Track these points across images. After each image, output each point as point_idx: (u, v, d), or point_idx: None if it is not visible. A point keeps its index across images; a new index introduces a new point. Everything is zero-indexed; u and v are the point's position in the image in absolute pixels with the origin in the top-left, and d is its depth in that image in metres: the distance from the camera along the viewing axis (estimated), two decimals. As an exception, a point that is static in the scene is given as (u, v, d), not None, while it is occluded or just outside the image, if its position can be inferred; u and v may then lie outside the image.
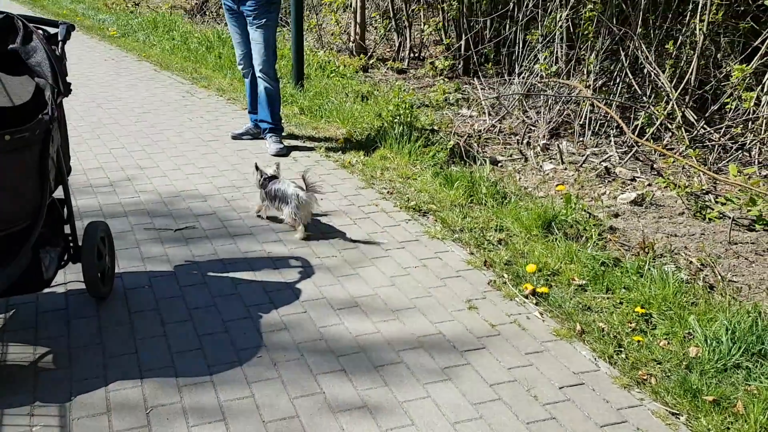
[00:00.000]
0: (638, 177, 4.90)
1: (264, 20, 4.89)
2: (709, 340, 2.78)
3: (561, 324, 2.95)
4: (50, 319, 2.81)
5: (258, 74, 5.08)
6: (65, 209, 2.77)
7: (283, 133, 5.42)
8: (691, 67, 5.42)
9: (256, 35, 4.95)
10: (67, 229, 2.80)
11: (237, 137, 5.37)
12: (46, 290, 2.89)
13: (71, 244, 2.80)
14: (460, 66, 7.92)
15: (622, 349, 2.79)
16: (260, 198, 3.82)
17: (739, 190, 4.28)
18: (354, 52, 8.71)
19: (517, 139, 5.77)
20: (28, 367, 2.50)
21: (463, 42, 7.75)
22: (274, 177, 3.78)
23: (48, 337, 2.68)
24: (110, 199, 4.06)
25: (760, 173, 4.78)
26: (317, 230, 3.76)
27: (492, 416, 2.33)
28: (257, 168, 3.82)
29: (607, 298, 3.18)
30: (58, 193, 2.73)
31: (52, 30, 2.81)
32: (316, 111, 6.14)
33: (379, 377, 2.52)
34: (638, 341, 2.84)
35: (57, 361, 2.54)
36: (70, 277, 3.09)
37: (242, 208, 4.03)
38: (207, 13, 12.41)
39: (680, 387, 2.52)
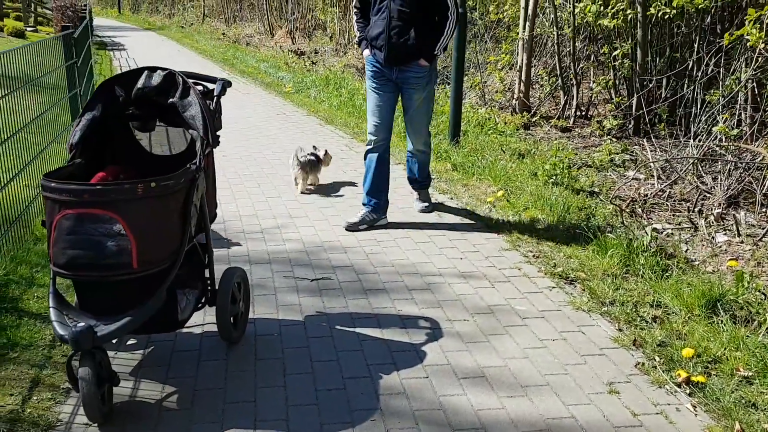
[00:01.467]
0: (832, 256, 4.23)
1: (429, 90, 4.52)
2: None
3: (717, 421, 2.55)
4: (183, 359, 2.90)
5: (416, 148, 4.78)
6: (206, 255, 2.88)
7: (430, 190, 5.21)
8: None
9: (415, 109, 4.53)
10: (206, 273, 2.90)
11: (352, 228, 4.50)
12: (185, 331, 3.02)
13: (209, 288, 2.91)
14: (630, 126, 7.48)
15: (795, 463, 2.33)
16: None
17: None
18: (516, 110, 8.57)
19: (688, 207, 5.26)
20: (154, 404, 2.58)
21: (634, 101, 7.34)
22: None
23: (177, 377, 2.76)
24: (258, 246, 4.22)
25: None
26: (451, 290, 3.62)
27: None
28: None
29: (781, 398, 2.71)
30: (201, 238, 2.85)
31: (210, 86, 3.01)
32: (469, 168, 6.05)
33: (496, 460, 2.30)
34: (817, 455, 2.37)
35: (181, 402, 2.61)
36: (208, 320, 3.20)
37: (380, 263, 4.00)
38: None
39: None
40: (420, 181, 4.99)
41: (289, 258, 4.00)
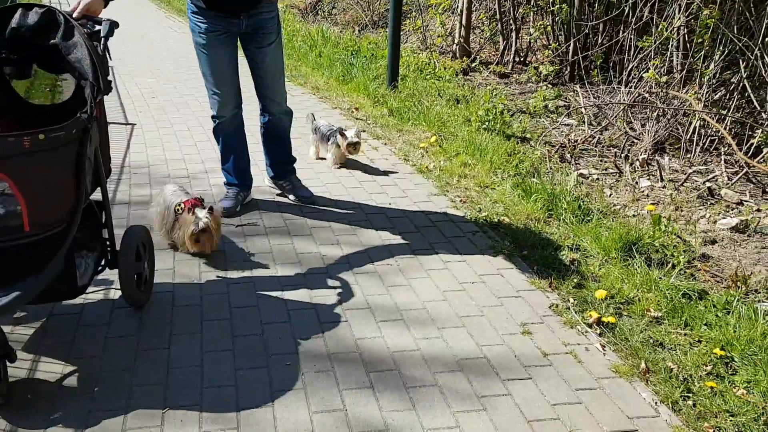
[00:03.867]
0: (746, 201, 4.41)
1: (278, 36, 3.72)
2: (797, 396, 2.39)
3: (624, 360, 2.65)
4: (88, 334, 2.68)
5: (279, 110, 3.91)
6: (104, 213, 2.67)
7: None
8: (821, 81, 4.82)
9: (275, 58, 3.72)
10: (105, 234, 2.68)
11: (231, 213, 3.80)
12: (91, 300, 2.87)
13: (108, 249, 2.68)
14: (566, 72, 7.53)
15: (691, 395, 2.46)
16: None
17: None
18: (457, 55, 8.51)
19: (616, 152, 5.37)
20: (54, 383, 2.38)
21: (571, 46, 7.37)
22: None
23: (81, 355, 2.54)
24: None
25: None
26: (377, 235, 3.63)
27: (522, 457, 2.11)
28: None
29: (684, 335, 2.84)
30: (96, 195, 2.61)
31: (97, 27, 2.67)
32: (405, 113, 6.01)
33: (408, 399, 2.35)
34: (711, 387, 2.50)
35: (83, 382, 2.41)
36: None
37: (308, 208, 3.97)
38: (320, 12, 12.63)
39: (753, 448, 2.17)
40: (290, 161, 4.13)
41: (214, 203, 3.92)
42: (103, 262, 2.68)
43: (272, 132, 3.99)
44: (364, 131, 4.70)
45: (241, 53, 3.70)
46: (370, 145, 5.19)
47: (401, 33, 7.56)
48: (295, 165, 4.17)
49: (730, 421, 2.33)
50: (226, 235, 3.56)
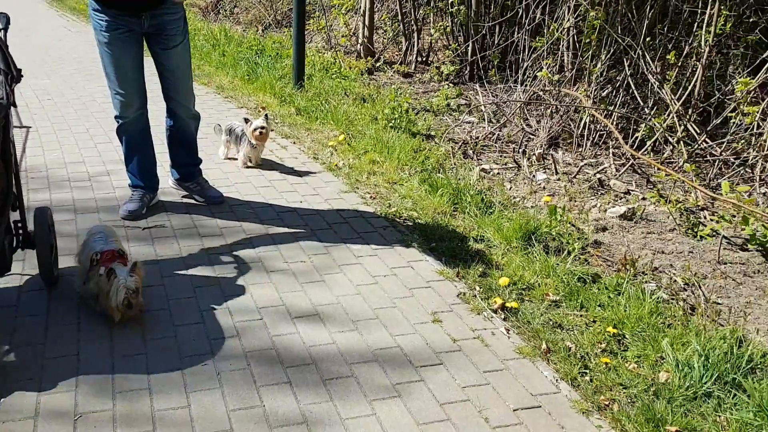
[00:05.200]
0: (633, 190, 4.74)
1: (187, 36, 3.68)
2: (680, 366, 2.64)
3: (527, 342, 2.82)
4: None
5: (186, 113, 3.84)
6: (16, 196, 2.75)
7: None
8: (695, 79, 5.25)
9: (181, 61, 3.65)
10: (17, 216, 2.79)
11: (135, 216, 3.72)
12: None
13: (20, 230, 2.79)
14: (466, 72, 7.79)
15: (588, 371, 2.65)
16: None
17: (733, 208, 4.11)
18: (361, 55, 8.62)
19: (514, 148, 5.63)
20: None
21: (469, 47, 7.63)
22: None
23: None
24: (85, 194, 4.00)
25: (759, 190, 4.60)
26: (289, 234, 3.67)
27: (436, 438, 2.22)
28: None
29: (580, 316, 3.05)
30: None
31: None
32: (312, 112, 6.05)
33: (325, 392, 2.41)
34: (606, 363, 2.70)
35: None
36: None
37: (218, 209, 3.95)
38: (221, 11, 12.42)
39: (643, 415, 2.38)
40: (196, 163, 4.07)
41: (119, 206, 3.83)
42: (14, 244, 2.73)
43: (178, 135, 3.93)
44: (268, 117, 4.59)
45: (148, 54, 3.63)
46: (278, 144, 5.20)
47: (306, 33, 7.59)
48: (201, 166, 4.12)
49: (624, 393, 2.54)
50: (133, 238, 3.49)
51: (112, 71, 3.53)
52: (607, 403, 2.48)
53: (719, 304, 3.28)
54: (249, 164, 4.68)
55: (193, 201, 4.03)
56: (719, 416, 2.42)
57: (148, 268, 3.19)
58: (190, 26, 9.99)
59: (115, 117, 3.70)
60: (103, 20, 3.41)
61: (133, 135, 3.76)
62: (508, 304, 3.07)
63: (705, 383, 2.55)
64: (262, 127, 4.53)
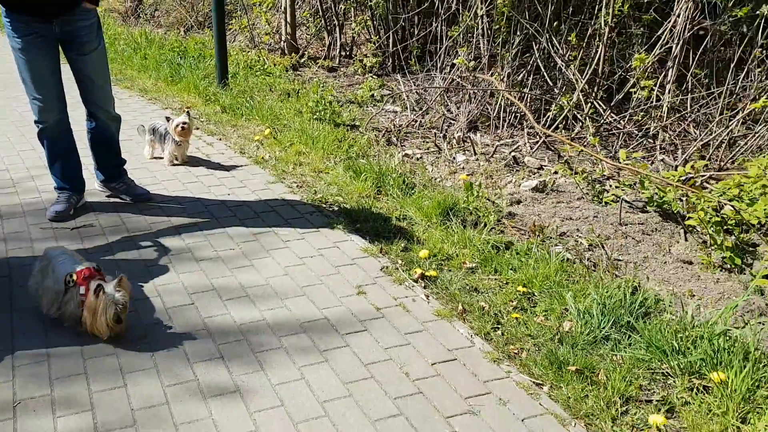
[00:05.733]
0: (546, 166, 5.05)
1: (102, 41, 3.70)
2: (581, 314, 2.90)
3: (444, 305, 3.05)
4: None
5: (105, 117, 3.87)
6: None
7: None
8: (597, 58, 5.61)
9: (96, 66, 3.68)
10: None
11: (62, 217, 3.77)
12: None
13: None
14: (388, 63, 8.01)
15: (500, 326, 2.89)
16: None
17: (634, 175, 4.45)
18: (285, 52, 8.73)
19: (435, 133, 5.87)
20: None
21: (391, 39, 7.84)
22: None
23: None
24: (10, 199, 4.02)
25: (659, 158, 4.98)
26: (218, 224, 3.79)
27: (361, 393, 2.41)
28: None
29: (494, 280, 3.29)
30: None
31: None
32: (238, 109, 6.15)
33: (257, 362, 2.57)
34: (516, 318, 2.95)
35: None
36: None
37: (145, 206, 4.03)
38: (141, 15, 12.27)
39: (547, 359, 2.63)
40: (120, 163, 4.12)
41: (45, 209, 3.87)
42: None
43: (99, 137, 3.98)
44: (190, 113, 4.65)
45: (65, 60, 3.67)
46: (204, 142, 5.29)
47: (228, 32, 7.65)
48: (127, 167, 4.19)
49: (531, 342, 2.79)
50: (62, 238, 3.55)
51: (28, 77, 3.55)
52: (516, 351, 2.72)
53: (619, 260, 3.58)
54: (175, 162, 4.76)
55: (120, 200, 4.09)
56: (616, 355, 2.69)
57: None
58: (111, 31, 9.89)
59: (35, 122, 3.71)
60: (16, 27, 3.44)
61: (55, 138, 3.77)
62: (427, 274, 3.28)
63: (603, 328, 2.82)
64: (184, 123, 4.62)
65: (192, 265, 3.31)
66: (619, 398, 2.43)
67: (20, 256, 3.35)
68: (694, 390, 2.47)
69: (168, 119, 4.68)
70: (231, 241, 3.59)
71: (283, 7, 8.64)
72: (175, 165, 4.75)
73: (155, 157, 4.87)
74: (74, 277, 2.67)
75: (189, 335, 2.73)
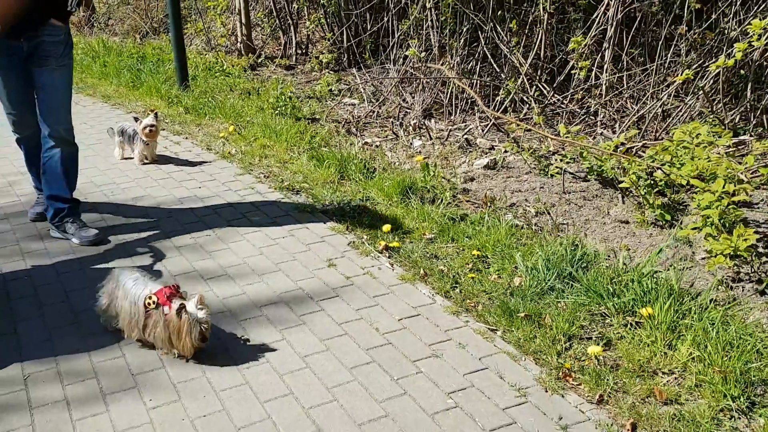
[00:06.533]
0: (496, 146, 5.40)
1: (68, 60, 3.62)
2: (529, 270, 3.25)
3: (407, 271, 3.37)
4: None
5: (55, 135, 3.67)
6: None
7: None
8: (539, 43, 5.98)
9: (55, 82, 3.57)
10: None
11: (41, 217, 3.91)
12: None
13: None
14: (344, 59, 8.29)
15: (458, 285, 3.22)
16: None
17: (578, 148, 4.83)
18: (242, 52, 8.94)
19: (392, 121, 6.19)
20: None
21: (344, 35, 8.13)
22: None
23: None
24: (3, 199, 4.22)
25: (599, 132, 5.37)
26: (192, 214, 4.05)
27: (337, 347, 2.71)
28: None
29: (452, 247, 3.62)
30: None
31: None
32: (200, 109, 6.38)
33: (241, 329, 2.85)
34: (472, 278, 3.28)
35: None
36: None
37: (122, 200, 4.26)
38: (95, 24, 12.32)
39: (500, 309, 2.97)
40: (70, 201, 3.78)
41: (26, 211, 4.07)
42: None
43: (50, 162, 3.74)
44: (157, 115, 4.87)
45: None
46: (171, 141, 5.51)
47: (185, 36, 7.84)
48: (77, 209, 3.84)
49: (486, 296, 3.12)
50: (47, 237, 3.77)
51: (2, 93, 3.61)
52: (473, 305, 3.06)
53: (564, 224, 3.95)
54: (145, 161, 4.99)
55: (95, 198, 4.30)
56: (559, 302, 3.04)
57: (66, 250, 3.51)
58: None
59: (12, 131, 3.82)
60: None
61: (32, 147, 3.85)
62: (391, 245, 3.60)
63: (548, 281, 3.17)
64: (152, 125, 4.85)
65: (172, 252, 3.57)
66: (563, 336, 2.77)
67: (5, 255, 3.56)
68: (628, 326, 2.83)
69: (136, 119, 4.91)
70: (207, 228, 3.85)
71: (237, 9, 8.85)
72: (145, 164, 4.97)
73: (125, 158, 5.09)
74: (155, 298, 2.58)
75: (177, 310, 2.99)
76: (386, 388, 2.47)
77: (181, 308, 2.51)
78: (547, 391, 2.46)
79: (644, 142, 4.90)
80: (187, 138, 5.64)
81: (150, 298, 2.59)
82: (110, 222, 3.97)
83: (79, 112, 6.55)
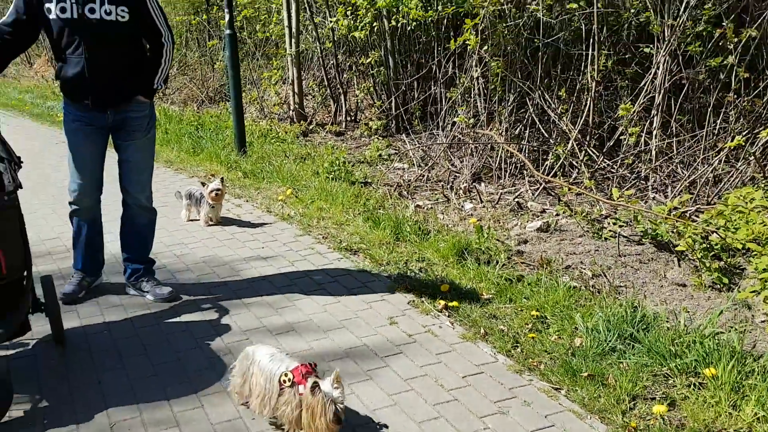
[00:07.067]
0: (548, 209, 5.51)
1: (153, 132, 3.85)
2: (590, 331, 3.30)
3: (468, 329, 3.45)
4: (22, 366, 3.17)
5: (138, 204, 3.91)
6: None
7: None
8: (587, 109, 6.15)
9: (142, 155, 3.80)
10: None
11: (70, 299, 3.83)
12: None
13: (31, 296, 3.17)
14: (392, 125, 8.58)
15: (519, 345, 3.29)
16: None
17: (631, 212, 4.91)
18: (294, 120, 9.33)
19: (442, 185, 6.37)
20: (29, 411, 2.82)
21: (394, 103, 8.44)
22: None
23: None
24: (67, 263, 4.44)
25: (651, 196, 5.44)
26: (257, 273, 4.22)
27: (404, 402, 2.80)
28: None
29: (510, 307, 3.70)
30: None
31: None
32: (259, 173, 6.66)
33: (311, 383, 2.95)
34: (533, 338, 3.35)
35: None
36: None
37: (191, 261, 4.46)
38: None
39: (563, 368, 3.02)
40: (146, 262, 4.03)
41: (105, 269, 4.29)
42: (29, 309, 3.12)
43: (130, 228, 3.98)
44: (223, 180, 5.15)
45: None
46: (233, 204, 5.77)
47: (241, 104, 8.23)
48: (151, 268, 4.06)
49: (548, 356, 3.18)
50: (121, 293, 3.97)
51: (74, 161, 3.70)
52: (535, 364, 3.12)
53: (621, 286, 4.00)
54: (210, 223, 5.23)
55: (166, 260, 4.52)
56: (622, 362, 3.08)
57: (141, 312, 3.69)
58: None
59: (70, 202, 3.84)
60: (70, 112, 3.64)
61: (86, 220, 3.87)
62: (450, 304, 3.70)
63: (609, 341, 3.22)
64: (218, 189, 5.11)
65: (241, 308, 3.73)
66: (627, 396, 2.81)
67: (84, 309, 3.76)
68: (691, 386, 2.86)
69: (203, 184, 5.17)
70: (272, 287, 4.01)
71: (290, 80, 9.29)
72: (210, 225, 5.21)
73: (191, 219, 5.34)
74: (291, 376, 2.51)
75: (249, 364, 3.12)
76: (455, 442, 2.54)
77: (315, 386, 2.39)
78: (615, 449, 2.49)
79: (697, 206, 4.96)
80: (247, 201, 5.90)
81: (285, 375, 2.51)
82: (181, 280, 4.16)
83: (144, 176, 6.90)
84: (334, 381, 2.44)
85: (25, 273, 2.98)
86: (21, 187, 3.01)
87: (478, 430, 2.61)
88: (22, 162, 3.18)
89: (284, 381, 2.50)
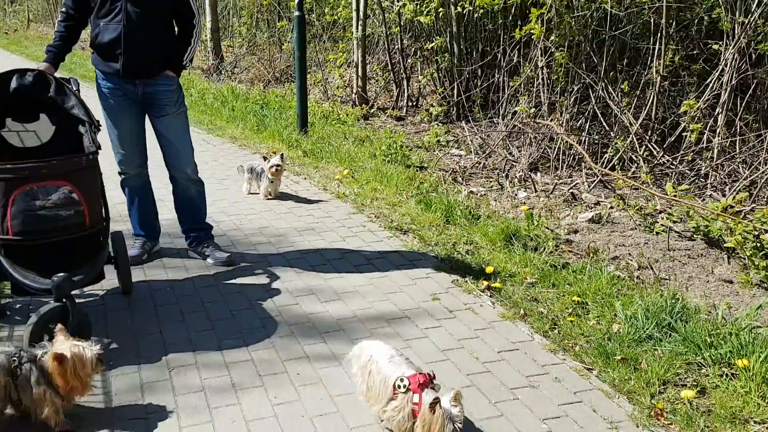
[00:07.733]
0: (602, 201, 5.52)
1: (183, 108, 3.97)
2: (628, 318, 3.36)
3: (508, 309, 3.56)
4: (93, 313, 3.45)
5: (183, 177, 4.08)
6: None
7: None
8: (650, 103, 6.10)
9: (176, 129, 3.94)
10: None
11: (135, 262, 4.01)
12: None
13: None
14: (453, 112, 8.67)
15: (557, 327, 3.38)
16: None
17: (685, 207, 4.88)
18: (356, 103, 9.52)
19: (498, 173, 6.43)
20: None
21: (456, 90, 8.52)
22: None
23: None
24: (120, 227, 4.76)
25: (707, 194, 5.38)
26: (309, 245, 4.43)
27: (439, 370, 2.92)
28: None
29: (552, 292, 3.78)
30: None
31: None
32: (318, 153, 6.87)
33: (351, 345, 3.12)
34: (571, 321, 3.43)
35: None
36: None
37: (250, 230, 4.70)
38: (223, 71, 13.40)
39: (597, 351, 3.10)
40: (204, 228, 4.27)
41: (168, 233, 4.56)
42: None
43: (180, 201, 4.19)
44: (283, 156, 5.37)
45: None
46: (291, 180, 6.00)
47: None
48: (210, 234, 4.29)
49: (584, 339, 3.26)
50: (184, 255, 4.24)
51: (113, 132, 3.90)
52: (571, 345, 3.20)
53: (666, 279, 4.02)
54: (269, 197, 5.47)
55: (225, 226, 4.77)
56: (656, 350, 3.14)
57: (201, 273, 3.94)
58: (199, 86, 10.94)
59: (119, 172, 4.06)
60: (104, 85, 3.81)
61: (135, 188, 4.10)
62: (493, 285, 3.81)
63: (647, 329, 3.27)
64: (278, 165, 5.34)
65: (292, 275, 3.93)
66: (658, 381, 2.87)
67: (150, 267, 4.04)
68: (723, 375, 2.89)
69: (265, 158, 5.41)
70: (323, 258, 4.21)
71: (355, 63, 9.48)
72: (269, 199, 5.45)
73: (251, 193, 5.59)
74: (407, 383, 2.43)
75: (297, 326, 3.32)
76: (484, 410, 2.67)
77: (436, 402, 2.30)
78: (638, 427, 2.57)
79: (753, 206, 4.89)
80: (305, 178, 6.11)
81: (402, 380, 2.44)
82: (239, 247, 4.40)
83: (210, 150, 7.22)
84: (454, 399, 2.35)
85: (104, 225, 3.26)
86: (100, 148, 3.26)
87: (507, 400, 2.73)
88: (100, 125, 3.45)
89: (399, 386, 2.44)
